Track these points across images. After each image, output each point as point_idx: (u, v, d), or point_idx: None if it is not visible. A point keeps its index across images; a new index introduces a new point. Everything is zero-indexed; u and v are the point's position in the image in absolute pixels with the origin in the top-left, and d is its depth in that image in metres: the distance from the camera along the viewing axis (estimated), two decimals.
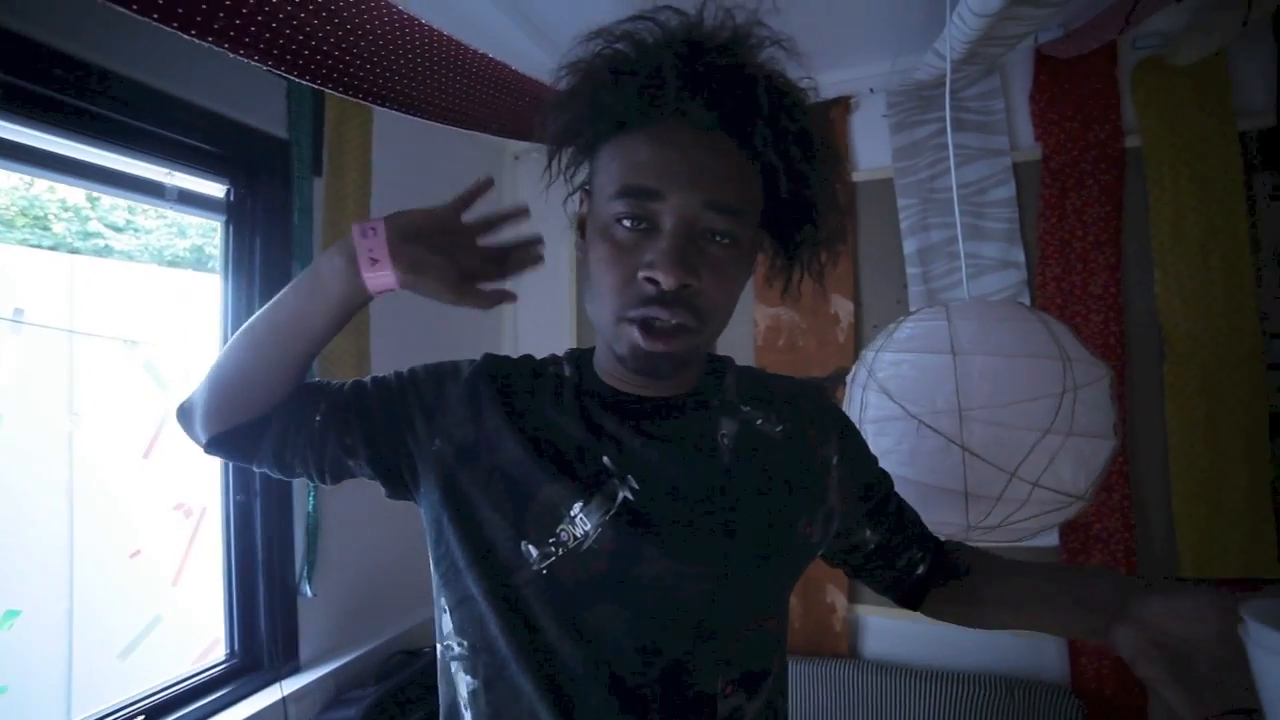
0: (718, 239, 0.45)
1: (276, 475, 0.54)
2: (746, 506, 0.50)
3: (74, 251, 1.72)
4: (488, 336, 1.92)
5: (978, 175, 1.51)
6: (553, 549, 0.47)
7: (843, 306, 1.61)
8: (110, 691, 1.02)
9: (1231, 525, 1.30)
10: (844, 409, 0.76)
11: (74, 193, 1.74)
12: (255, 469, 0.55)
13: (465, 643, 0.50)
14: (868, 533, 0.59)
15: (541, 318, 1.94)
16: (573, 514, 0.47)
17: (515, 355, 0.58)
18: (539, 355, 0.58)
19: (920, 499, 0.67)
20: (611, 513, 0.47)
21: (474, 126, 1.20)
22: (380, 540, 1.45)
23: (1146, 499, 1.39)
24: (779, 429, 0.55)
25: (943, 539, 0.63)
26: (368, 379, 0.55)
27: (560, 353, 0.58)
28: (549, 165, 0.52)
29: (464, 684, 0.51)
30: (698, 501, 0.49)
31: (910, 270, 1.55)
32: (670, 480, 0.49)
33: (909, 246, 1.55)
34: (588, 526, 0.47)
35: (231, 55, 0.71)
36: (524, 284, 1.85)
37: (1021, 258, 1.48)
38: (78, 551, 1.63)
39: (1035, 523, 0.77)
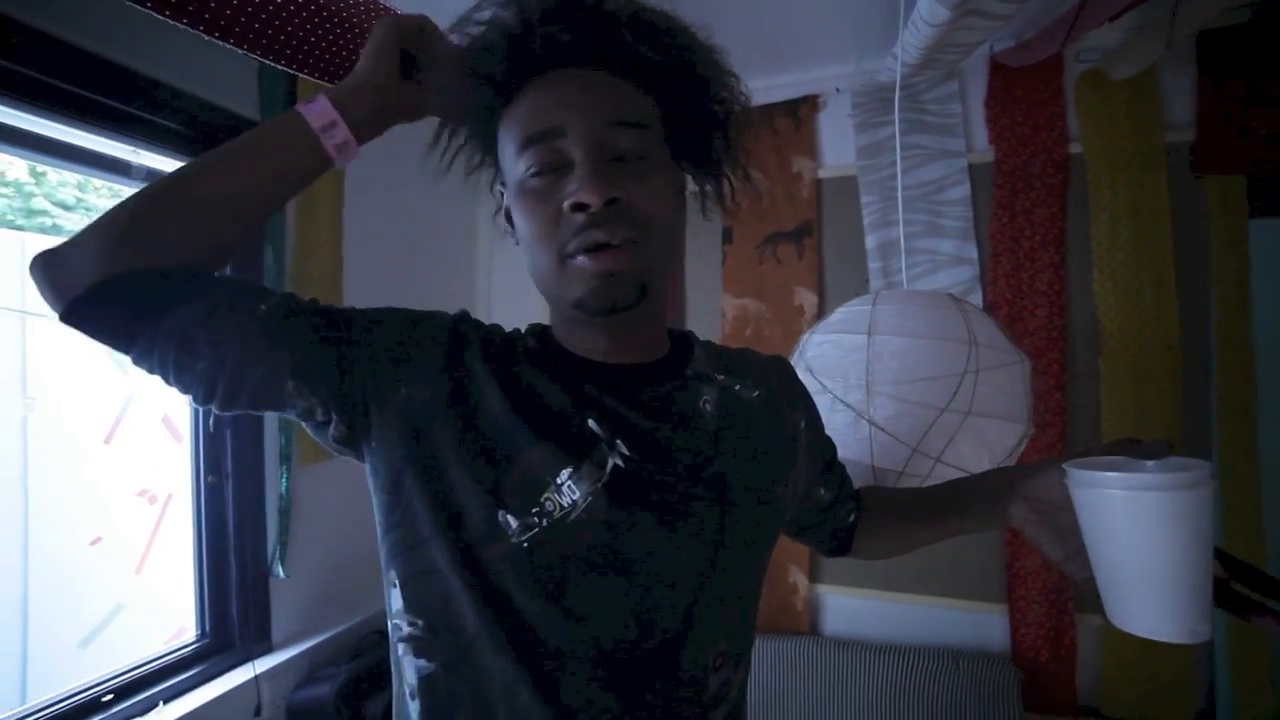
0: (629, 155, 0.45)
1: (159, 374, 0.41)
2: (735, 472, 0.49)
3: (17, 229, 1.66)
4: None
5: (935, 175, 1.59)
6: (536, 519, 0.43)
7: (807, 298, 1.67)
8: (68, 682, 1.00)
9: None
10: None
11: (16, 167, 1.67)
12: (130, 354, 0.41)
13: (420, 622, 0.45)
14: (821, 490, 0.63)
15: (513, 309, 1.96)
16: (559, 481, 0.43)
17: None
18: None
19: None
20: (603, 481, 0.44)
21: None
22: (353, 522, 1.45)
23: None
24: (755, 394, 0.55)
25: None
26: (332, 306, 0.48)
27: (527, 326, 0.55)
28: (446, 158, 0.52)
29: (412, 670, 0.45)
30: (688, 468, 0.47)
31: (871, 265, 1.62)
32: (659, 447, 0.47)
33: (871, 242, 1.62)
34: (575, 495, 0.43)
35: (206, 38, 0.72)
36: (496, 273, 1.87)
37: (975, 254, 1.57)
38: (33, 539, 1.59)
39: None
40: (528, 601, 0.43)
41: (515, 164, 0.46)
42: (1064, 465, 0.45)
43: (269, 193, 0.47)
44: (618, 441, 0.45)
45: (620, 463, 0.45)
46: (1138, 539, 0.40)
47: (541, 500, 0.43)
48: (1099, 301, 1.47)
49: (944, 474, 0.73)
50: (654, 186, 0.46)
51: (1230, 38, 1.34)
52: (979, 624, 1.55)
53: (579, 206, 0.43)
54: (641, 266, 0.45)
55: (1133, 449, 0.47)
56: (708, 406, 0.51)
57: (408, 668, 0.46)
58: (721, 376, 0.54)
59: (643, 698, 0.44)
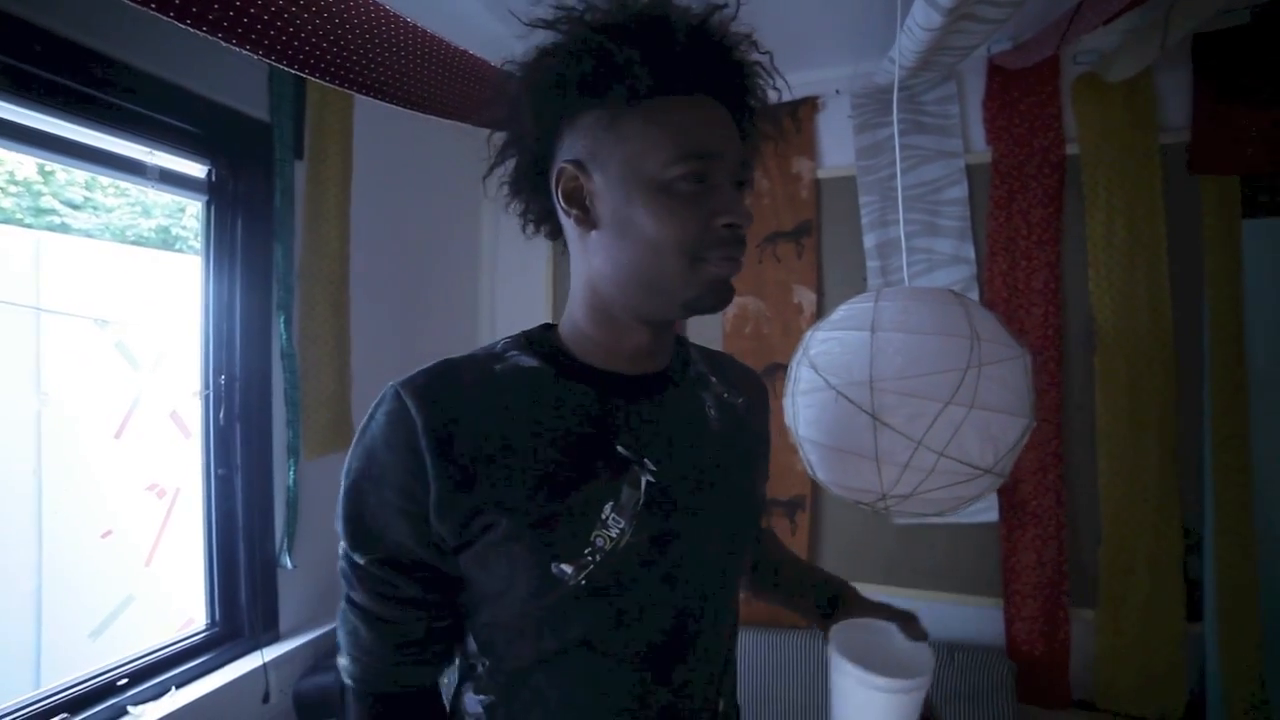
0: (743, 187, 0.52)
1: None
2: (736, 473, 0.56)
3: (27, 228, 1.69)
4: (464, 326, 1.96)
5: (934, 175, 1.61)
6: (589, 559, 0.45)
7: (806, 297, 1.69)
8: (80, 671, 1.03)
9: (1144, 500, 1.43)
10: (786, 385, 0.84)
11: (25, 167, 1.70)
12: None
13: (489, 661, 0.49)
14: None
15: (517, 308, 1.99)
16: (604, 517, 0.46)
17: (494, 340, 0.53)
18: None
19: (839, 463, 0.74)
20: (642, 502, 0.48)
21: (454, 117, 1.23)
22: None
23: (1077, 477, 1.52)
24: (740, 400, 0.61)
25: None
26: (359, 590, 0.48)
27: (501, 343, 0.52)
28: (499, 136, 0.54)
29: (468, 704, 0.50)
30: (703, 471, 0.52)
31: (870, 264, 1.64)
32: (679, 454, 0.51)
33: (869, 241, 1.64)
34: (622, 524, 0.47)
35: (223, 44, 0.75)
36: (500, 271, 1.90)
37: (972, 254, 1.59)
38: (47, 531, 1.62)
39: (946, 493, 0.83)
40: (585, 625, 0.47)
41: (662, 166, 0.47)
42: (833, 628, 0.59)
43: None
44: (645, 460, 0.49)
45: (651, 478, 0.49)
46: (856, 714, 0.54)
47: (592, 539, 0.46)
48: (1094, 300, 1.49)
49: (948, 468, 0.74)
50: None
51: (1225, 41, 1.36)
52: (974, 618, 1.57)
53: (730, 226, 0.48)
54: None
55: (905, 625, 0.60)
56: (711, 411, 0.56)
57: (469, 702, 0.51)
58: (714, 379, 0.60)
59: (676, 673, 0.50)
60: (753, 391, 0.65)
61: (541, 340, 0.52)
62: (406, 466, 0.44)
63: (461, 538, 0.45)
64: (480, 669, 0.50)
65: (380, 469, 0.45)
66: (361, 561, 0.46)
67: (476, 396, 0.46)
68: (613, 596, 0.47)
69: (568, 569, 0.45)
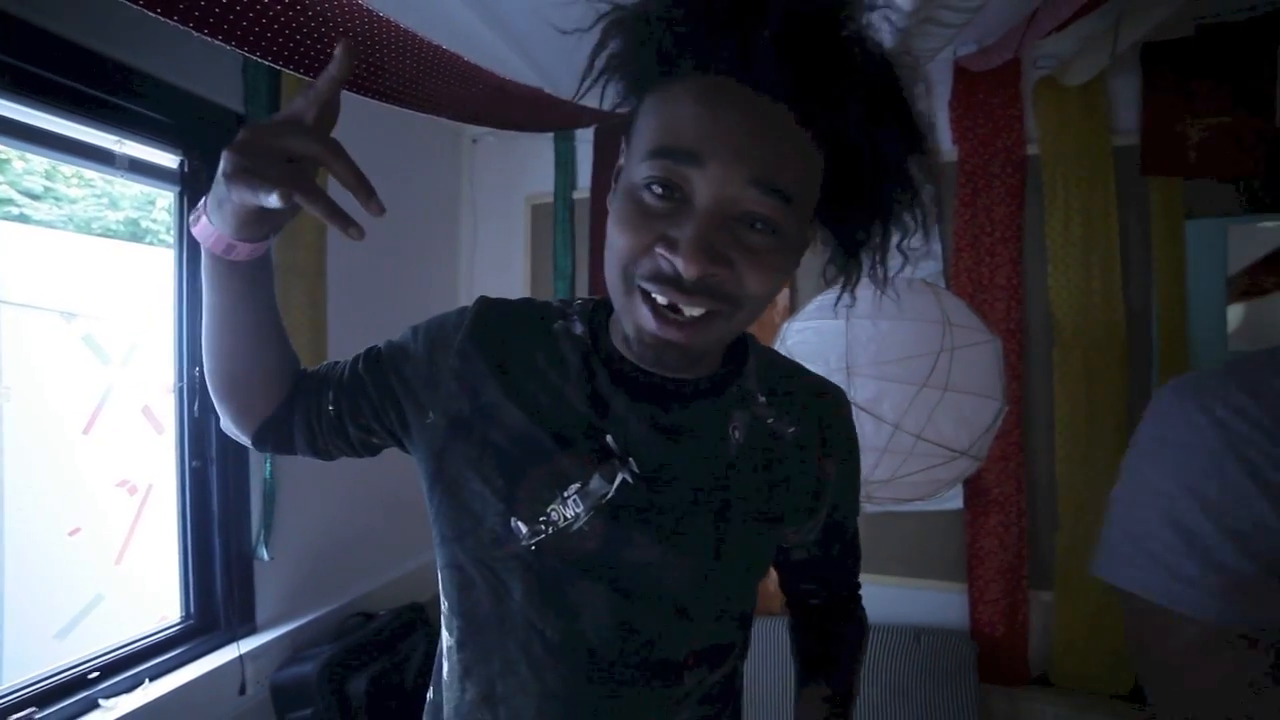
0: (758, 226, 0.38)
1: (326, 460, 0.56)
2: (743, 504, 0.49)
3: None
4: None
5: None
6: (542, 527, 0.46)
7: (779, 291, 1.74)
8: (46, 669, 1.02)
9: (1100, 486, 1.50)
10: None
11: None
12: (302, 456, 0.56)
13: (447, 603, 0.52)
14: (805, 552, 0.60)
15: (493, 287, 1.99)
16: (566, 494, 0.46)
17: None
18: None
19: None
20: (608, 497, 0.46)
21: (429, 110, 1.24)
22: (338, 506, 1.48)
23: (1037, 465, 1.58)
24: (791, 430, 0.52)
25: (859, 606, 0.66)
26: (364, 356, 0.54)
27: (576, 303, 0.53)
28: (584, 87, 0.44)
29: (443, 638, 0.53)
30: (696, 491, 0.47)
31: None
32: (672, 468, 0.47)
33: None
34: (579, 509, 0.46)
35: (195, 34, 0.75)
36: (479, 260, 1.91)
37: (939, 249, 1.64)
38: (9, 529, 1.59)
39: (924, 477, 0.88)
40: (530, 597, 0.47)
41: (640, 159, 0.40)
42: None
43: (247, 314, 0.50)
44: (630, 460, 0.47)
45: (629, 479, 0.46)
46: None
47: (548, 510, 0.46)
48: (1053, 295, 1.55)
49: (925, 450, 0.77)
50: (768, 266, 0.40)
51: (1171, 51, 1.43)
52: (940, 602, 1.63)
53: (666, 255, 0.39)
54: (711, 339, 0.42)
55: None
56: (736, 434, 0.49)
57: (443, 636, 0.53)
58: (763, 399, 0.52)
59: (619, 688, 0.48)
60: (820, 423, 0.54)
61: (598, 312, 0.52)
62: (441, 348, 0.50)
63: (448, 437, 0.49)
64: (446, 608, 0.52)
65: (428, 336, 0.52)
66: (382, 347, 0.54)
67: (522, 340, 0.50)
68: (556, 577, 0.47)
69: (523, 527, 0.46)
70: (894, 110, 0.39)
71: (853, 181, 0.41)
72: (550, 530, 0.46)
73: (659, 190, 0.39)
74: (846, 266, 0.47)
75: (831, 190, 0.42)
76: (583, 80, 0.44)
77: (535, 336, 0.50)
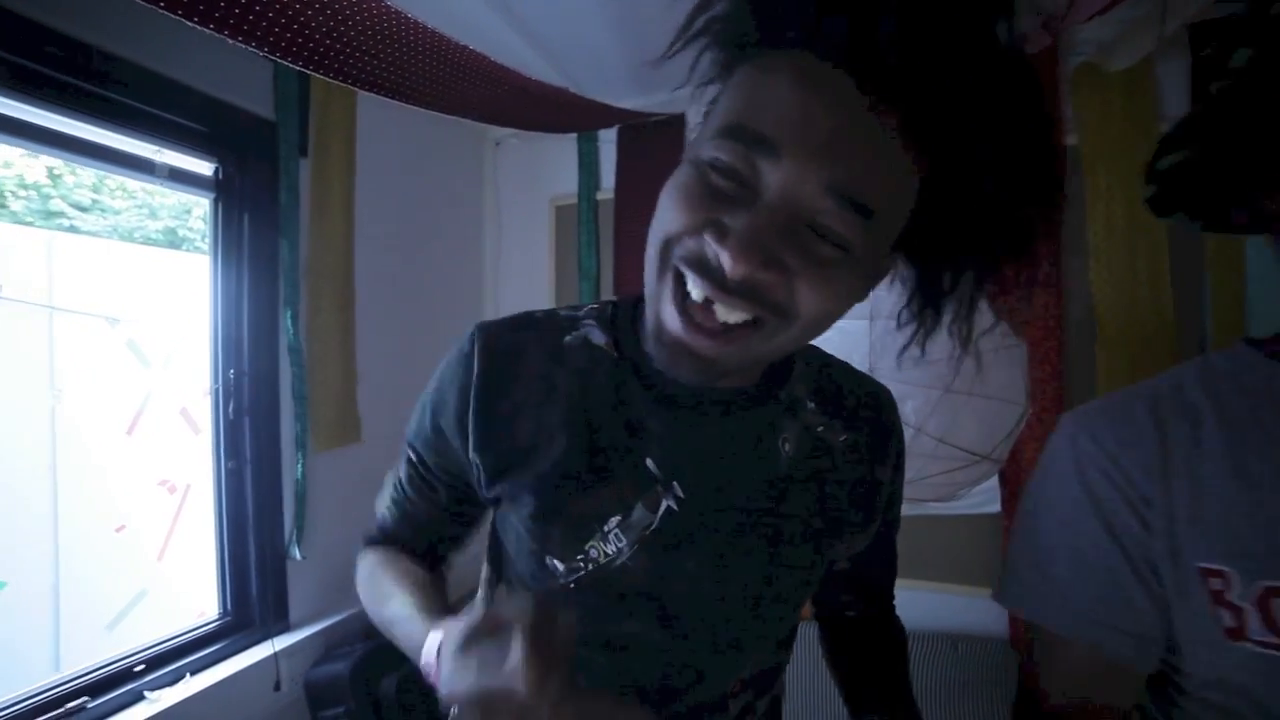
0: (828, 235, 0.33)
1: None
2: (796, 523, 0.45)
3: (38, 229, 1.73)
4: (468, 320, 1.98)
5: None
6: (580, 564, 0.43)
7: None
8: (99, 658, 1.06)
9: None
10: None
11: (34, 170, 1.74)
12: None
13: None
14: (846, 563, 0.56)
15: (520, 303, 2.00)
16: (606, 529, 0.43)
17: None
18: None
19: None
20: (653, 527, 0.43)
21: (455, 112, 1.25)
22: (367, 506, 1.50)
23: None
24: (843, 438, 0.48)
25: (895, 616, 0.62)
26: (405, 483, 0.53)
27: (585, 309, 0.49)
28: (675, 47, 0.38)
29: None
30: (747, 513, 0.44)
31: None
32: (720, 489, 0.44)
33: None
34: (621, 543, 0.43)
35: (231, 41, 0.77)
36: (504, 261, 1.92)
37: None
38: (63, 525, 1.66)
39: (944, 479, 0.85)
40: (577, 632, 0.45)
41: (709, 136, 0.35)
42: None
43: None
44: (674, 484, 0.43)
45: (674, 504, 0.43)
46: None
47: (586, 548, 0.43)
48: (1095, 290, 1.49)
49: (947, 453, 0.75)
50: (829, 282, 0.34)
51: (1222, 30, 1.35)
52: (977, 609, 1.58)
53: (716, 234, 0.34)
54: (745, 356, 0.37)
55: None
56: (786, 446, 0.46)
57: None
58: (812, 406, 0.48)
59: (667, 715, 0.46)
60: (872, 430, 0.49)
61: (620, 316, 0.47)
62: (459, 403, 0.46)
63: (494, 481, 0.47)
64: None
65: (442, 396, 0.48)
66: (414, 443, 0.52)
67: (535, 365, 0.46)
68: (601, 613, 0.44)
69: (559, 566, 0.44)
70: (1028, 143, 0.32)
71: (953, 216, 0.35)
72: (589, 568, 0.43)
73: (723, 171, 0.34)
74: (922, 314, 0.40)
75: (923, 220, 0.36)
76: (675, 40, 0.38)
77: (547, 360, 0.46)
